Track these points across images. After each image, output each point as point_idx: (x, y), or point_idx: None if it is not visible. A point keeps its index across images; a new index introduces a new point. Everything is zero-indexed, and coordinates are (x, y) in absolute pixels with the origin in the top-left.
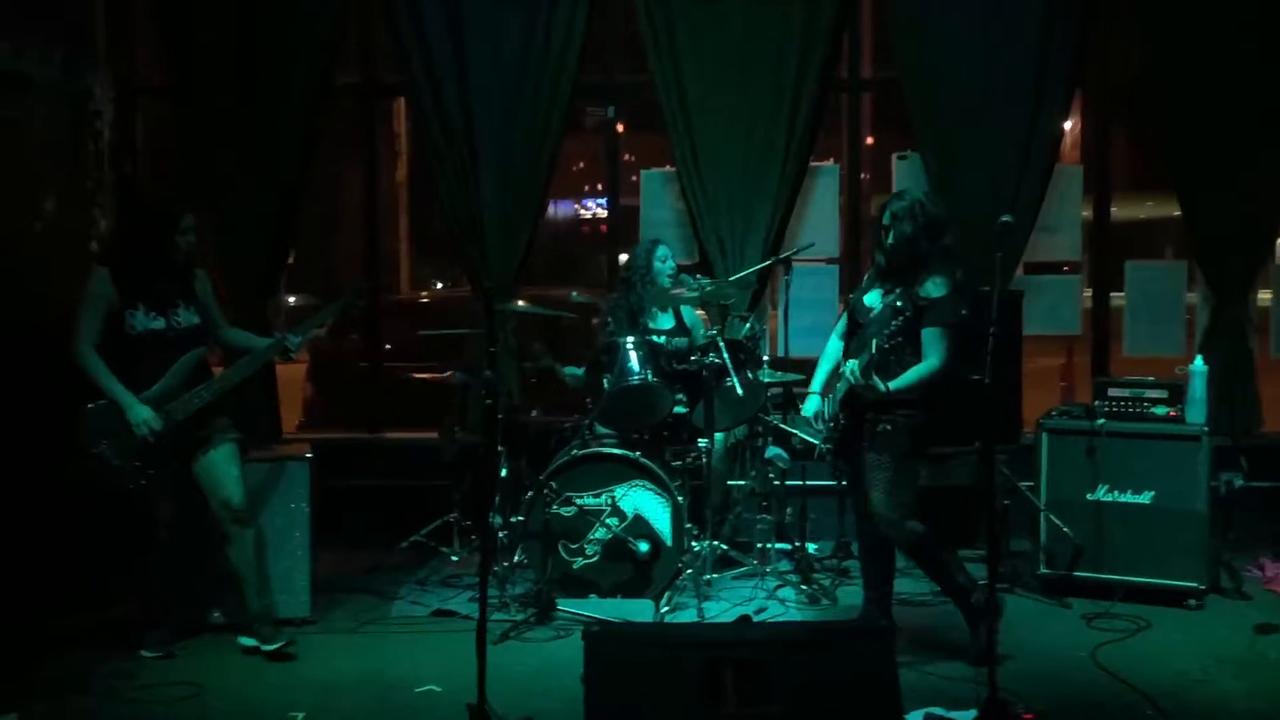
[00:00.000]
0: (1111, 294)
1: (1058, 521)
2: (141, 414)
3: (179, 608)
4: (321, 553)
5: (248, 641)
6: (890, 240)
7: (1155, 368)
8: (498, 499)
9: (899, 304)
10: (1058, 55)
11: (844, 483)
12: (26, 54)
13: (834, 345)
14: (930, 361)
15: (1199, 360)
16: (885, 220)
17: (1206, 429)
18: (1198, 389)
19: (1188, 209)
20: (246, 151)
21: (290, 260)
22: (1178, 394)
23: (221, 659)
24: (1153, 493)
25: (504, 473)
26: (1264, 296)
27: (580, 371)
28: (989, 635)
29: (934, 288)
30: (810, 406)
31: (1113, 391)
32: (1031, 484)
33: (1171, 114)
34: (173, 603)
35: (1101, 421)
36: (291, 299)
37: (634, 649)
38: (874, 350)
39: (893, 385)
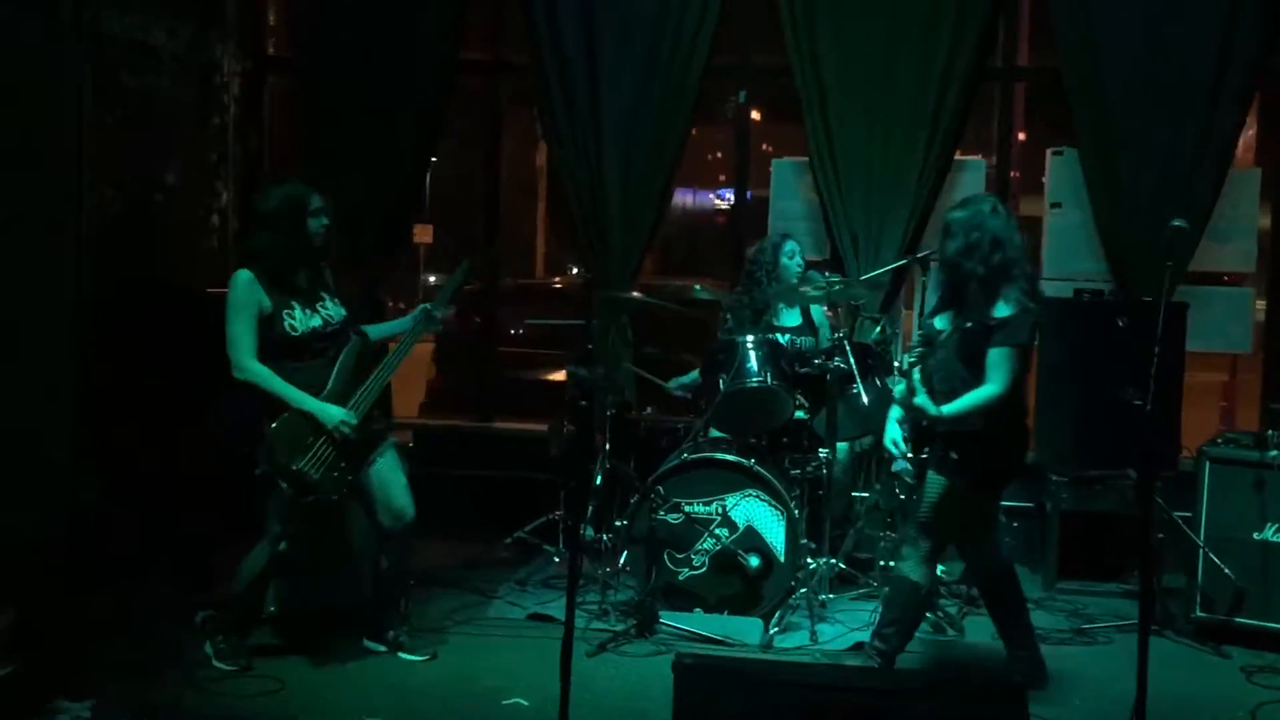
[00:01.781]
0: None
1: (1218, 561)
2: (335, 414)
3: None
4: (422, 543)
5: (378, 646)
6: (944, 264)
7: None
8: (591, 508)
9: (969, 325)
10: (1240, 50)
11: None
12: (156, 26)
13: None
14: (991, 387)
15: None
16: (943, 254)
17: None
18: None
19: None
20: (369, 128)
21: (430, 240)
22: None
23: (306, 653)
24: None
25: (599, 478)
26: None
27: (687, 379)
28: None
29: (1003, 307)
30: (890, 434)
31: None
32: (1189, 515)
33: None
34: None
35: (1275, 454)
36: (432, 278)
37: (730, 685)
38: (905, 366)
39: (946, 410)
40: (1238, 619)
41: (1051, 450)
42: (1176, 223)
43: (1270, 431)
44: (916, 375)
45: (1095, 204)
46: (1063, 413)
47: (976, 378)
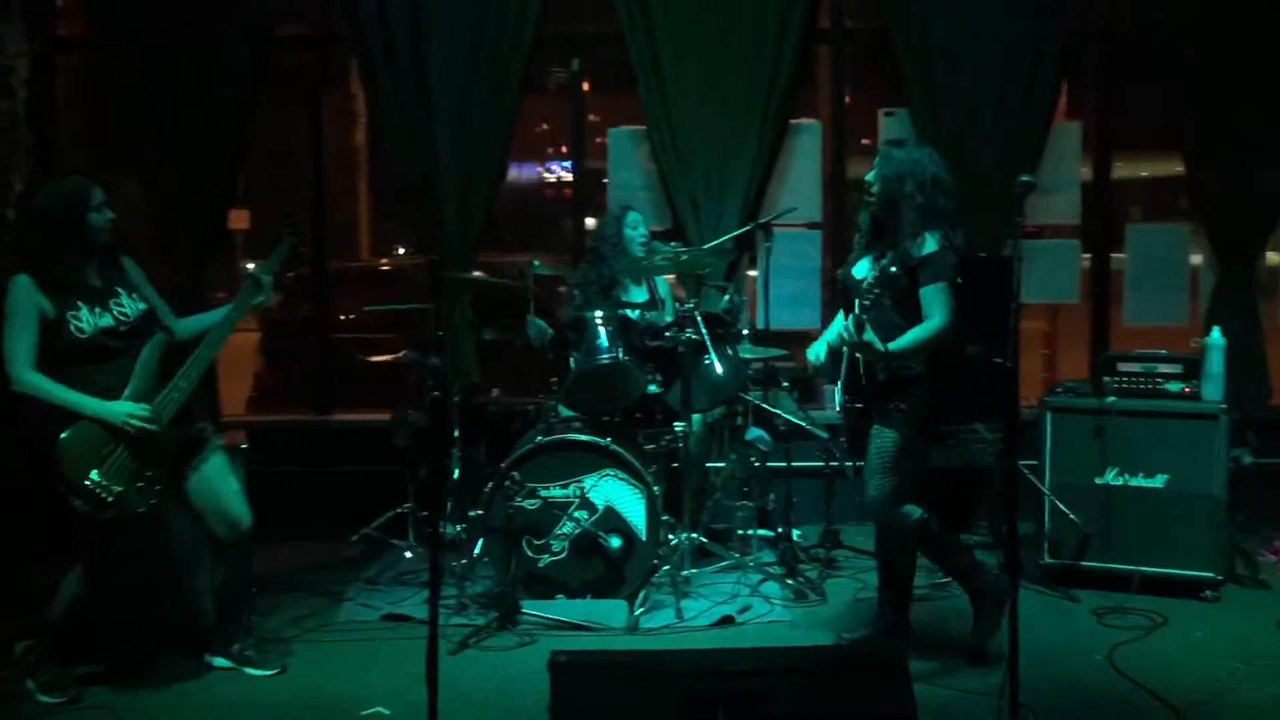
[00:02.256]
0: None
1: (1063, 507)
2: (120, 410)
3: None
4: (264, 547)
5: (222, 663)
6: (879, 193)
7: (1157, 338)
8: (450, 504)
9: (893, 269)
10: (1055, 7)
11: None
12: None
13: (835, 326)
14: (934, 321)
15: (1216, 332)
16: (874, 175)
17: (1224, 406)
18: (1215, 363)
19: (1193, 169)
20: (179, 111)
21: (247, 227)
22: (1193, 369)
23: (141, 678)
24: (1166, 476)
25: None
26: (1272, 258)
27: (548, 329)
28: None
29: (928, 243)
30: (814, 349)
31: (1123, 366)
32: (1034, 464)
33: (1176, 68)
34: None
35: (1111, 399)
36: (250, 265)
37: (610, 681)
38: (857, 310)
39: (893, 346)
40: (1084, 563)
41: None
42: (1024, 178)
43: (1106, 378)
44: (850, 322)
45: None
46: None
47: (912, 323)
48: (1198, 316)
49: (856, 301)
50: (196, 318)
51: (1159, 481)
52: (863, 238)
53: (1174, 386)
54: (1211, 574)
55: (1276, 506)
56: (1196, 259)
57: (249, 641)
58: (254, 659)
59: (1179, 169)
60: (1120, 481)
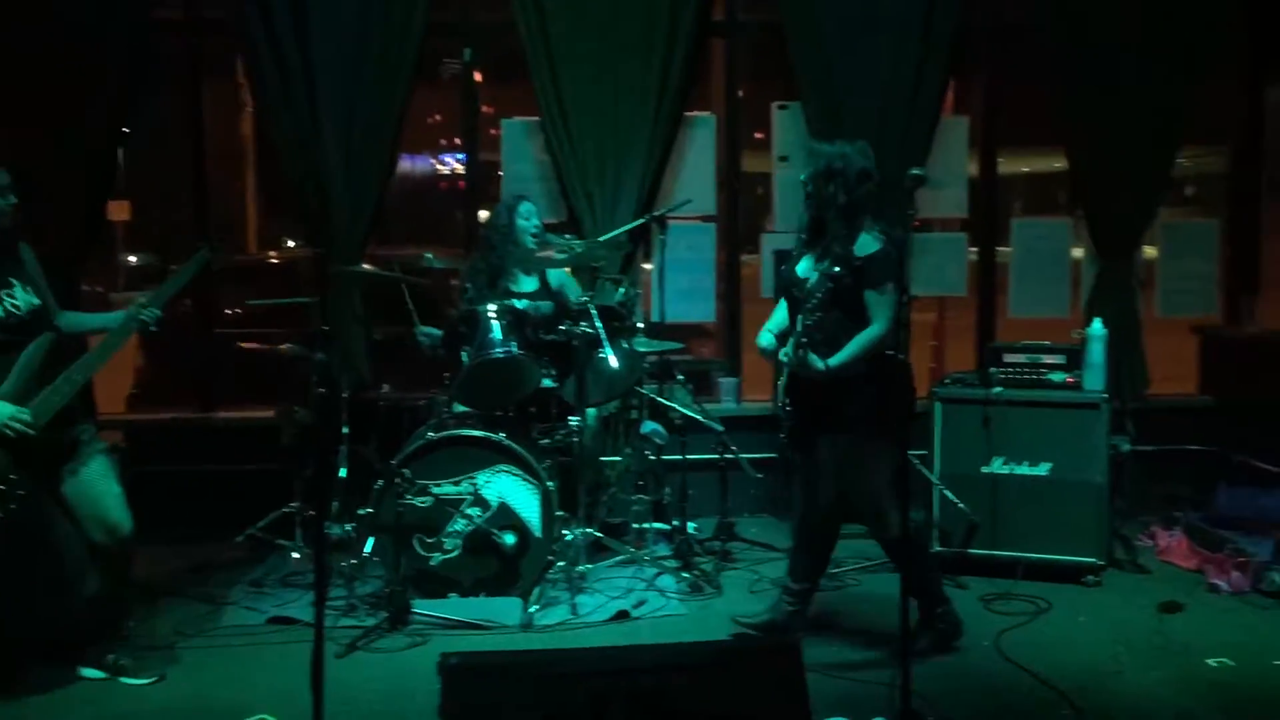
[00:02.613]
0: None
1: (952, 496)
2: (4, 411)
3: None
4: (143, 550)
5: (96, 674)
6: (813, 192)
7: (1041, 329)
8: (337, 502)
9: (836, 270)
10: (946, 1)
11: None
12: None
13: (778, 315)
14: (874, 328)
15: (1097, 323)
16: (809, 173)
17: (1105, 396)
18: (1096, 354)
19: (1074, 165)
20: (52, 97)
21: (128, 218)
22: (1075, 359)
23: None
24: (1050, 464)
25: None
26: (1149, 252)
27: (438, 333)
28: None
29: (868, 243)
30: (765, 340)
31: (1008, 358)
32: (924, 453)
33: (1059, 65)
34: None
35: (997, 390)
36: (133, 258)
37: (503, 683)
38: (800, 329)
39: (832, 362)
40: (971, 550)
41: None
42: (915, 171)
43: (992, 369)
44: (792, 342)
45: None
46: None
47: (858, 325)
48: (1078, 308)
49: (800, 319)
50: (78, 315)
51: (1043, 470)
52: (801, 236)
53: (1057, 377)
54: (1094, 559)
55: (1153, 493)
56: (1078, 252)
57: (125, 651)
58: (129, 668)
59: (1060, 164)
60: (1007, 470)
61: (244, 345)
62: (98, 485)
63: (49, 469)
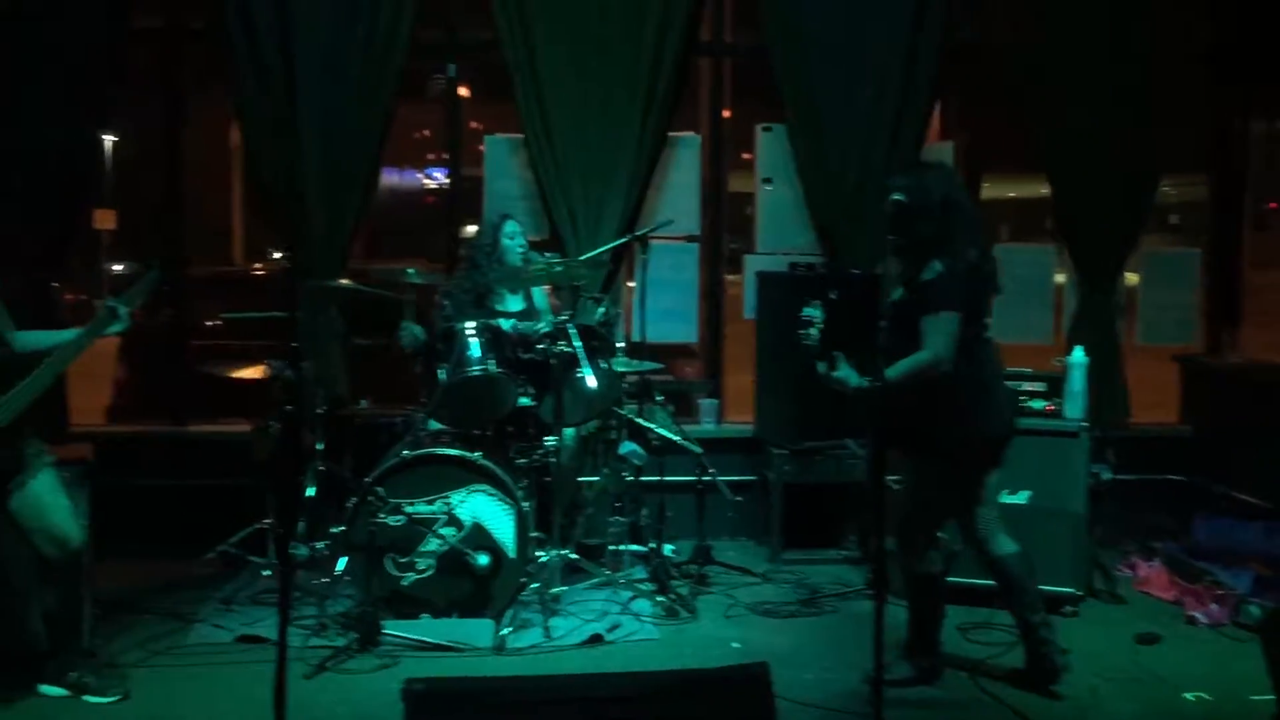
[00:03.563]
0: None
1: None
2: None
3: None
4: (112, 565)
5: (57, 691)
6: (901, 229)
7: (1022, 354)
8: (303, 520)
9: (898, 296)
10: (930, 27)
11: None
12: None
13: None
14: (922, 354)
15: (1079, 351)
16: (892, 212)
17: (1085, 424)
18: (1077, 381)
19: (1057, 192)
20: (28, 105)
21: (113, 226)
22: (1055, 387)
23: None
24: (1029, 492)
25: (312, 484)
26: (1131, 279)
27: (422, 335)
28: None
29: (933, 268)
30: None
31: None
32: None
33: (1042, 94)
34: None
35: None
36: (117, 267)
37: (467, 711)
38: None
39: (889, 373)
40: (950, 578)
41: (772, 424)
42: (895, 196)
43: None
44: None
45: (803, 179)
46: (781, 386)
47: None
48: (1062, 334)
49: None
50: (36, 334)
51: (1022, 498)
52: (898, 264)
53: (1037, 404)
54: (1072, 589)
55: (1132, 522)
56: (1061, 278)
57: (87, 667)
58: (92, 685)
59: (1044, 190)
60: None
61: (211, 372)
62: (45, 498)
63: None
